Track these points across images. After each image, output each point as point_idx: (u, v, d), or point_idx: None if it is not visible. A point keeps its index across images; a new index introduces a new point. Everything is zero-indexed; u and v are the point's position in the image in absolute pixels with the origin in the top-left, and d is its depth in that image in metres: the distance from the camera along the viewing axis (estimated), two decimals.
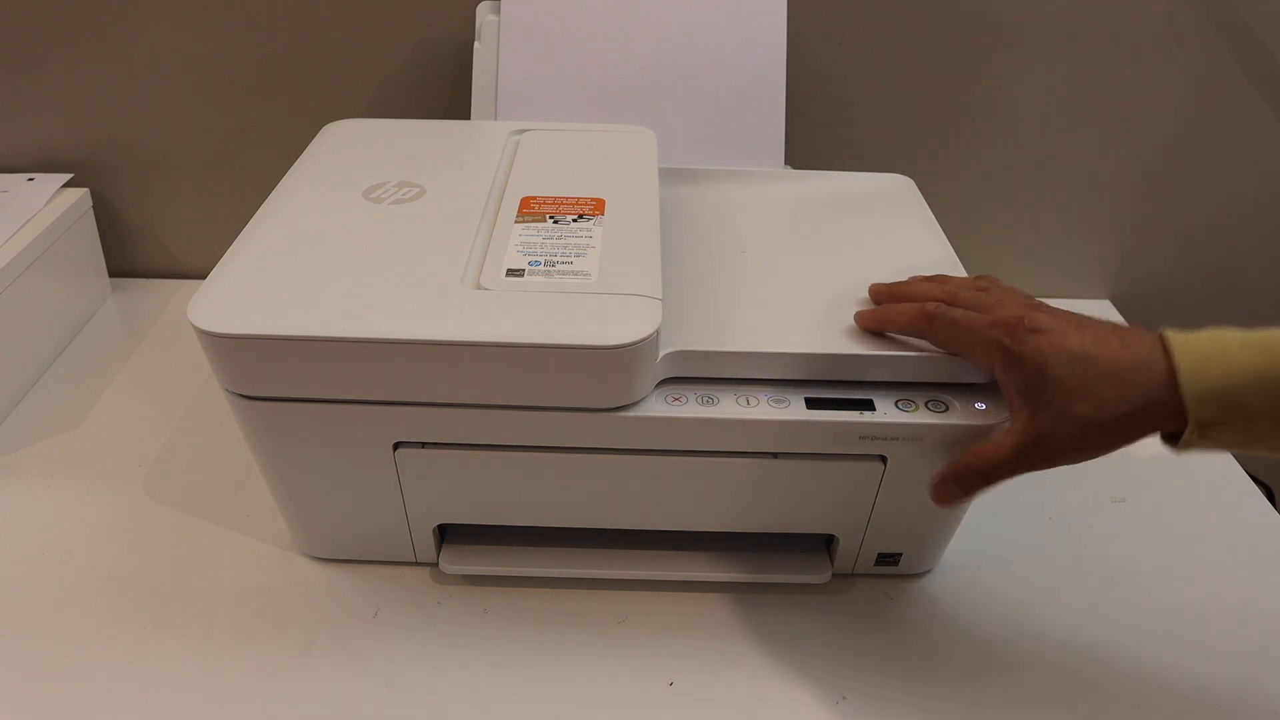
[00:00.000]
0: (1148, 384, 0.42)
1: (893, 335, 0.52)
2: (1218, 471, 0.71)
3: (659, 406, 0.50)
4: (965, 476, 0.48)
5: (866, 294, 0.55)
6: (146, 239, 0.89)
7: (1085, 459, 0.45)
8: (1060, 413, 0.43)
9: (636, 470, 0.53)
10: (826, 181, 0.69)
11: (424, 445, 0.52)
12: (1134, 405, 0.42)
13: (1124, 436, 0.43)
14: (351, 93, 0.82)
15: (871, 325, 0.52)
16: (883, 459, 0.52)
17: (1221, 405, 0.40)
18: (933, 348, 0.51)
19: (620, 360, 0.47)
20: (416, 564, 0.60)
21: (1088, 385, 0.43)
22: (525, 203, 0.57)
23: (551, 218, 0.56)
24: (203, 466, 0.68)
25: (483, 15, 0.74)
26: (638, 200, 0.58)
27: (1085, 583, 0.61)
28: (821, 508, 0.56)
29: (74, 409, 0.74)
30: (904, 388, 0.52)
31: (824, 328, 0.53)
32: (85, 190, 0.83)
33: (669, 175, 0.67)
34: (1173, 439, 0.43)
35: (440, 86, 0.81)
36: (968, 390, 0.52)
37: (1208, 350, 0.41)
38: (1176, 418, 0.42)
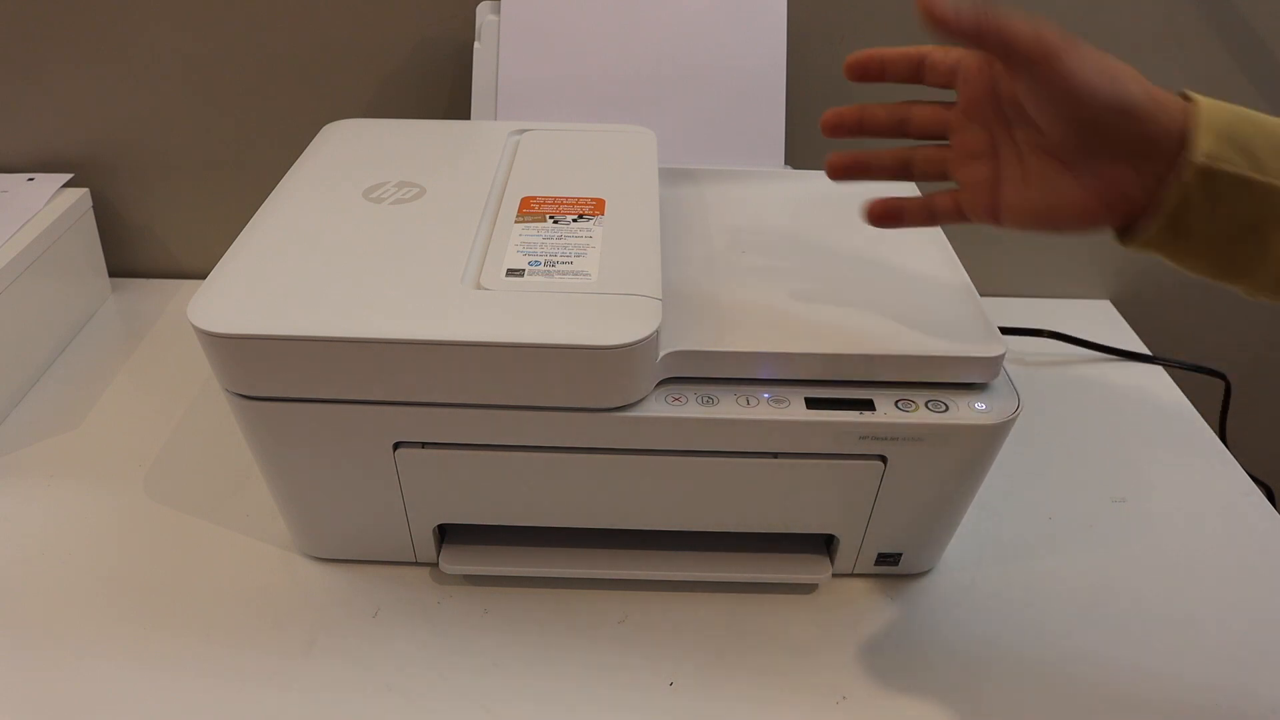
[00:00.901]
0: (1166, 103, 0.41)
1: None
2: (1218, 471, 0.71)
3: (659, 406, 0.50)
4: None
5: (866, 296, 0.55)
6: (146, 239, 0.89)
7: (1079, 128, 0.42)
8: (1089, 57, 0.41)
9: (636, 470, 0.53)
10: (826, 181, 0.69)
11: (424, 445, 0.52)
12: (1147, 100, 0.40)
13: (1120, 131, 0.41)
14: (351, 93, 0.82)
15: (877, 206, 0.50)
16: (883, 459, 0.52)
17: (1228, 139, 0.40)
18: (933, 348, 0.51)
19: (620, 360, 0.47)
20: (416, 564, 0.60)
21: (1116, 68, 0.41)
22: (525, 203, 0.57)
23: (551, 218, 0.56)
24: (203, 466, 0.68)
25: (483, 15, 0.74)
26: (638, 200, 0.58)
27: (1085, 583, 0.61)
28: (821, 508, 0.56)
29: (74, 409, 0.74)
30: (904, 388, 0.52)
31: (824, 328, 0.53)
32: (85, 190, 0.83)
33: (669, 175, 0.67)
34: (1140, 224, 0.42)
35: (440, 86, 0.81)
36: (968, 390, 0.52)
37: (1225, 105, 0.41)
38: (1173, 152, 0.40)
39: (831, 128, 0.50)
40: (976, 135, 0.47)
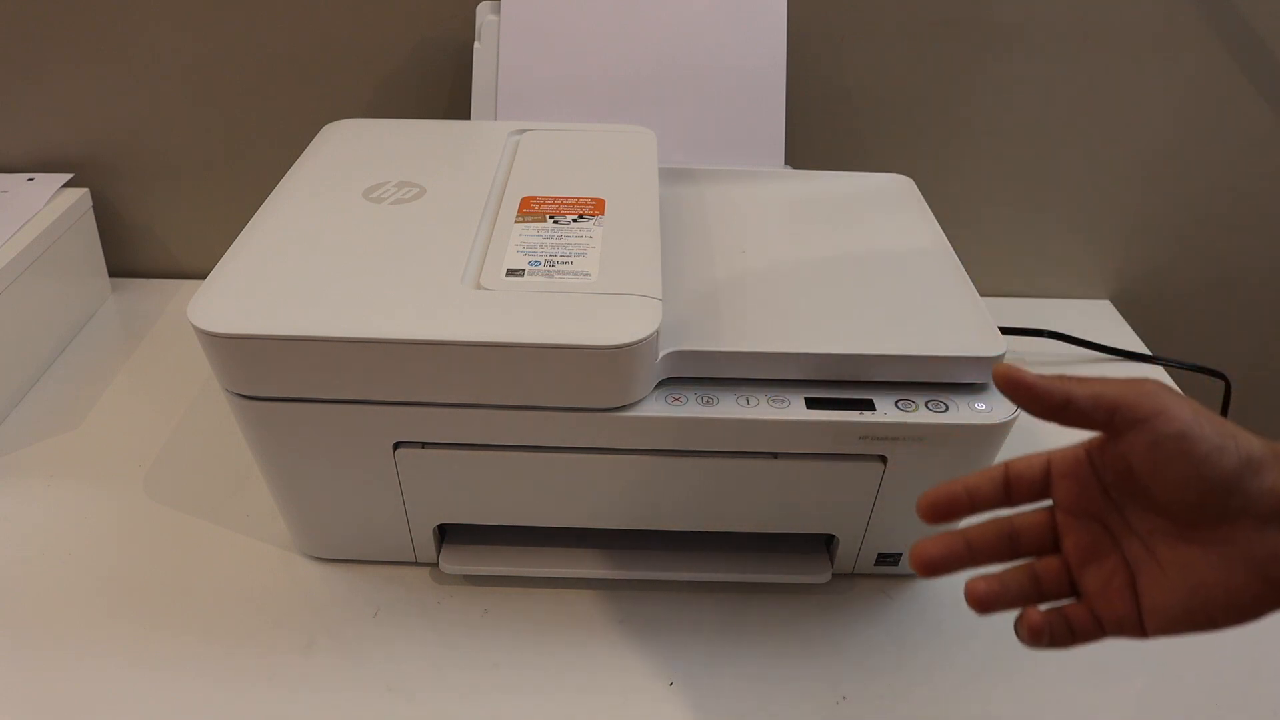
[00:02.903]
0: None
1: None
2: None
3: (659, 406, 0.50)
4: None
5: (866, 296, 0.55)
6: (146, 239, 0.89)
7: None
8: None
9: (636, 470, 0.53)
10: (826, 181, 0.69)
11: (424, 445, 0.52)
12: (1266, 451, 0.36)
13: (1248, 487, 0.36)
14: (351, 93, 0.82)
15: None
16: (883, 459, 0.52)
17: None
18: (934, 348, 0.51)
19: (620, 360, 0.47)
20: (416, 564, 0.60)
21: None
22: (525, 203, 0.57)
23: (551, 218, 0.56)
24: (203, 466, 0.68)
25: (483, 15, 0.74)
26: (638, 200, 0.58)
27: None
28: (821, 508, 0.56)
29: (74, 409, 0.74)
30: (904, 388, 0.52)
31: (824, 328, 0.53)
32: (85, 190, 0.83)
33: (669, 175, 0.67)
34: None
35: (440, 86, 0.81)
36: (968, 390, 0.52)
37: None
38: None
39: (932, 566, 0.42)
40: (1092, 532, 0.40)
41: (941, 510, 0.41)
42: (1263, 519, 0.36)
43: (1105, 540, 0.39)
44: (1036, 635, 0.40)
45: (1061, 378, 0.38)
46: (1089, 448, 0.40)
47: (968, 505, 0.41)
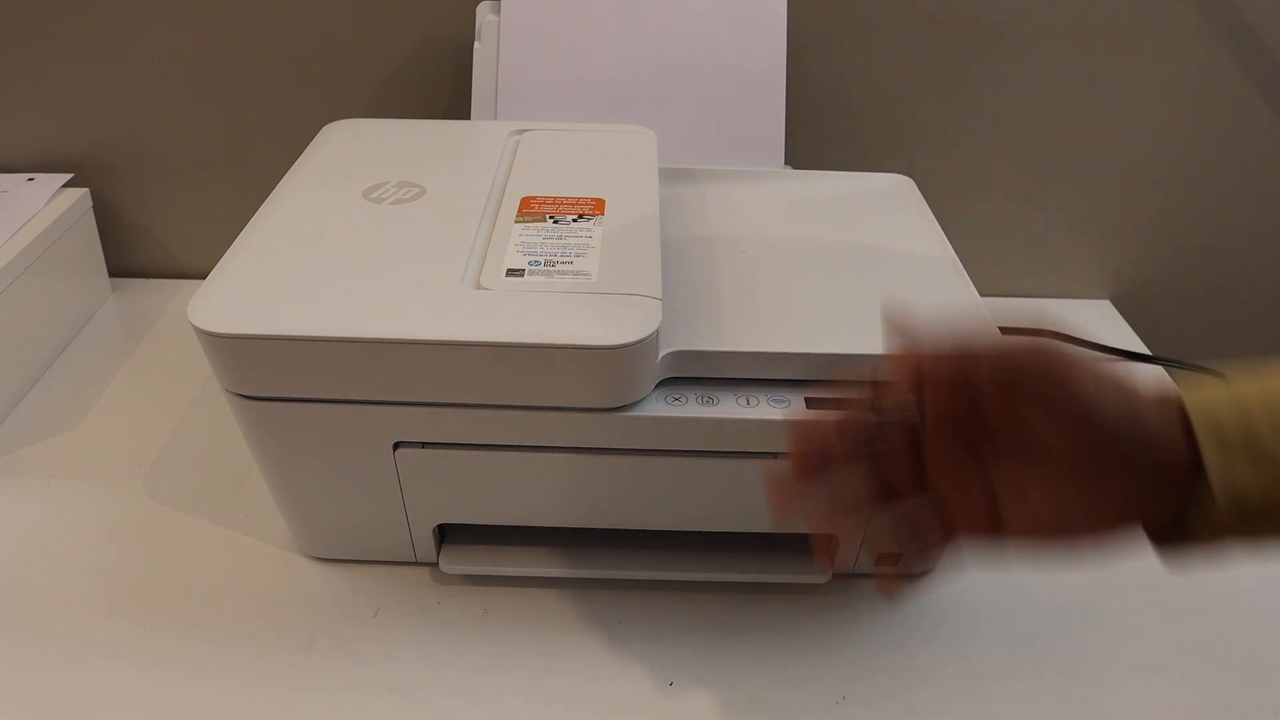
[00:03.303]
0: (1170, 418, 0.36)
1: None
2: None
3: (659, 406, 0.50)
4: None
5: (866, 296, 0.55)
6: (146, 239, 0.89)
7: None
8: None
9: (636, 470, 0.53)
10: (826, 181, 0.69)
11: (424, 445, 0.52)
12: (1158, 422, 0.36)
13: (1133, 456, 0.36)
14: (351, 93, 0.82)
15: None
16: None
17: (1243, 452, 0.35)
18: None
19: (620, 360, 0.47)
20: (416, 564, 0.60)
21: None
22: (525, 203, 0.57)
23: (551, 218, 0.56)
24: (203, 466, 0.68)
25: (483, 15, 0.74)
26: (638, 200, 0.58)
27: (1085, 583, 0.61)
28: None
29: (74, 409, 0.74)
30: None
31: (824, 328, 0.53)
32: (85, 190, 0.83)
33: (669, 175, 0.67)
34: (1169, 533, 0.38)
35: (440, 86, 0.81)
36: None
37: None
38: (1189, 469, 0.36)
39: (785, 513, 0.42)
40: (955, 447, 0.39)
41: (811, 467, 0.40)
42: (1130, 460, 0.36)
43: (968, 455, 0.39)
44: (893, 596, 0.41)
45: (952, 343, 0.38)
46: (965, 368, 0.38)
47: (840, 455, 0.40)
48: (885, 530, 0.40)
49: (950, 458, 0.39)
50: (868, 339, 0.52)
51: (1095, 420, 0.36)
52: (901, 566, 0.42)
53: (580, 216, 0.56)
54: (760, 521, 0.57)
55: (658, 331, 0.48)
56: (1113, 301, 0.93)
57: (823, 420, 0.40)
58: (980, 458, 0.38)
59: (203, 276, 0.51)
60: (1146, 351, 0.84)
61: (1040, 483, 0.37)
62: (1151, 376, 0.38)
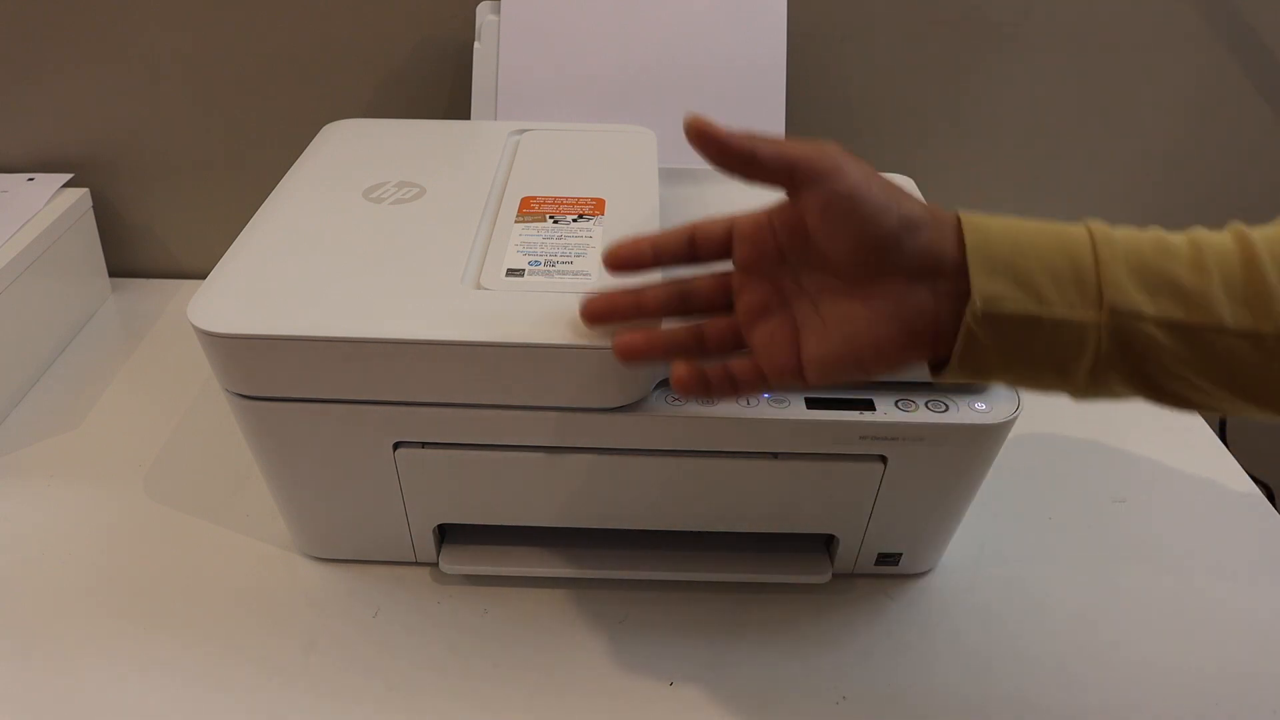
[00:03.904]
0: (943, 220, 0.40)
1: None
2: (1218, 471, 0.71)
3: (659, 406, 0.50)
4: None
5: None
6: (146, 239, 0.89)
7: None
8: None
9: (636, 470, 0.53)
10: None
11: (424, 445, 0.52)
12: (925, 214, 0.40)
13: (905, 246, 0.39)
14: (351, 93, 0.82)
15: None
16: (883, 459, 0.52)
17: (1005, 272, 0.38)
18: None
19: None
20: (416, 564, 0.60)
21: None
22: (525, 203, 0.57)
23: (551, 218, 0.56)
24: (203, 466, 0.68)
25: (483, 15, 0.74)
26: (638, 200, 0.58)
27: (1085, 583, 0.61)
28: (821, 508, 0.56)
29: (74, 409, 0.74)
30: (904, 388, 0.52)
31: None
32: (85, 190, 0.83)
33: (669, 175, 0.67)
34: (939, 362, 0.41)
35: (440, 86, 0.81)
36: (968, 390, 0.52)
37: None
38: (958, 270, 0.39)
39: (597, 320, 0.46)
40: (763, 291, 0.43)
41: (624, 259, 0.45)
42: (912, 276, 0.39)
43: (775, 299, 0.43)
44: (685, 386, 0.44)
45: (749, 134, 0.40)
46: (770, 212, 0.43)
47: (651, 258, 0.45)
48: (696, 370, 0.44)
49: (758, 303, 0.43)
50: None
51: (877, 223, 0.39)
52: (711, 395, 0.45)
53: (580, 216, 0.56)
54: (760, 521, 0.57)
55: None
56: None
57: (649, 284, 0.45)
58: (783, 294, 0.43)
59: (203, 276, 0.51)
60: None
61: (830, 302, 0.41)
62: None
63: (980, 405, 0.51)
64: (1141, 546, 0.64)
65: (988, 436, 0.52)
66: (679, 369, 0.44)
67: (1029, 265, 0.38)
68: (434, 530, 0.58)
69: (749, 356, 0.44)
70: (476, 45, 0.73)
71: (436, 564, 0.59)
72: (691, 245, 0.45)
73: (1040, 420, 0.74)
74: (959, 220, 0.40)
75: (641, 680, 0.54)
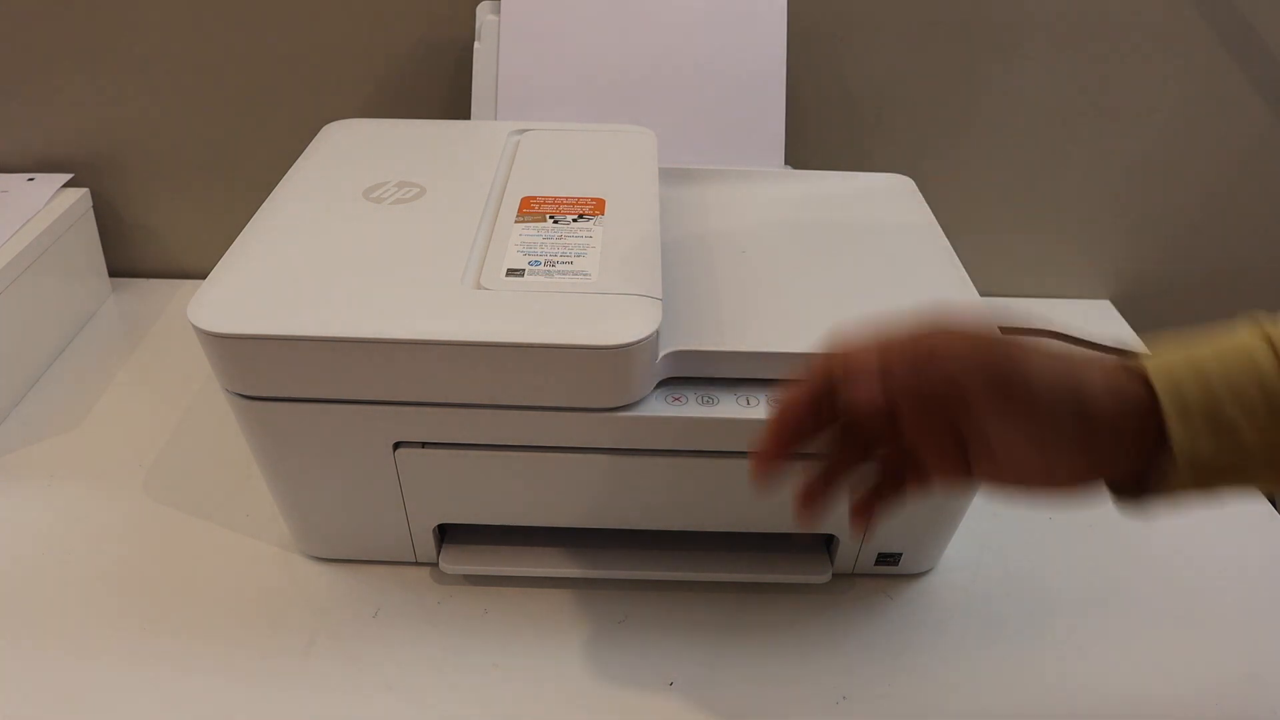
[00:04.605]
0: (1128, 394, 0.38)
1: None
2: None
3: (659, 406, 0.50)
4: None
5: (866, 296, 0.55)
6: (146, 239, 0.89)
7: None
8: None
9: (636, 470, 0.53)
10: (826, 181, 0.69)
11: (424, 445, 0.52)
12: (1107, 398, 0.38)
13: (1086, 437, 0.37)
14: (351, 93, 0.82)
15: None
16: None
17: (1204, 420, 0.36)
18: None
19: (620, 360, 0.47)
20: (416, 564, 0.60)
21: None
22: (525, 203, 0.57)
23: (551, 218, 0.56)
24: (203, 466, 0.68)
25: (483, 15, 0.74)
26: (638, 200, 0.58)
27: (1085, 583, 0.61)
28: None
29: (74, 409, 0.74)
30: None
31: (824, 328, 0.53)
32: (85, 190, 0.83)
33: (669, 175, 0.67)
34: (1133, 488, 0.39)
35: (440, 86, 0.81)
36: None
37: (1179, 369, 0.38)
38: (1149, 436, 0.37)
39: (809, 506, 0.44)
40: (928, 412, 0.40)
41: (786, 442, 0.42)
42: (1094, 440, 0.37)
43: (940, 420, 0.39)
44: (855, 518, 0.43)
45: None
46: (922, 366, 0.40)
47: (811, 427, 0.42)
48: (862, 476, 0.42)
49: (923, 426, 0.40)
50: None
51: (1046, 403, 0.37)
52: (878, 505, 0.43)
53: (580, 216, 0.56)
54: (760, 521, 0.57)
55: (658, 331, 0.48)
56: (1113, 301, 0.93)
57: (797, 393, 0.42)
58: (951, 422, 0.40)
59: (203, 276, 0.51)
60: (1147, 352, 0.84)
61: (1004, 446, 0.38)
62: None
63: None
64: (1141, 546, 0.64)
65: None
66: (856, 511, 0.43)
67: (1224, 404, 0.36)
68: (434, 530, 0.58)
69: (917, 468, 0.41)
70: (476, 45, 0.73)
71: (436, 564, 0.59)
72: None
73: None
74: (1144, 371, 0.38)
75: (641, 680, 0.54)
